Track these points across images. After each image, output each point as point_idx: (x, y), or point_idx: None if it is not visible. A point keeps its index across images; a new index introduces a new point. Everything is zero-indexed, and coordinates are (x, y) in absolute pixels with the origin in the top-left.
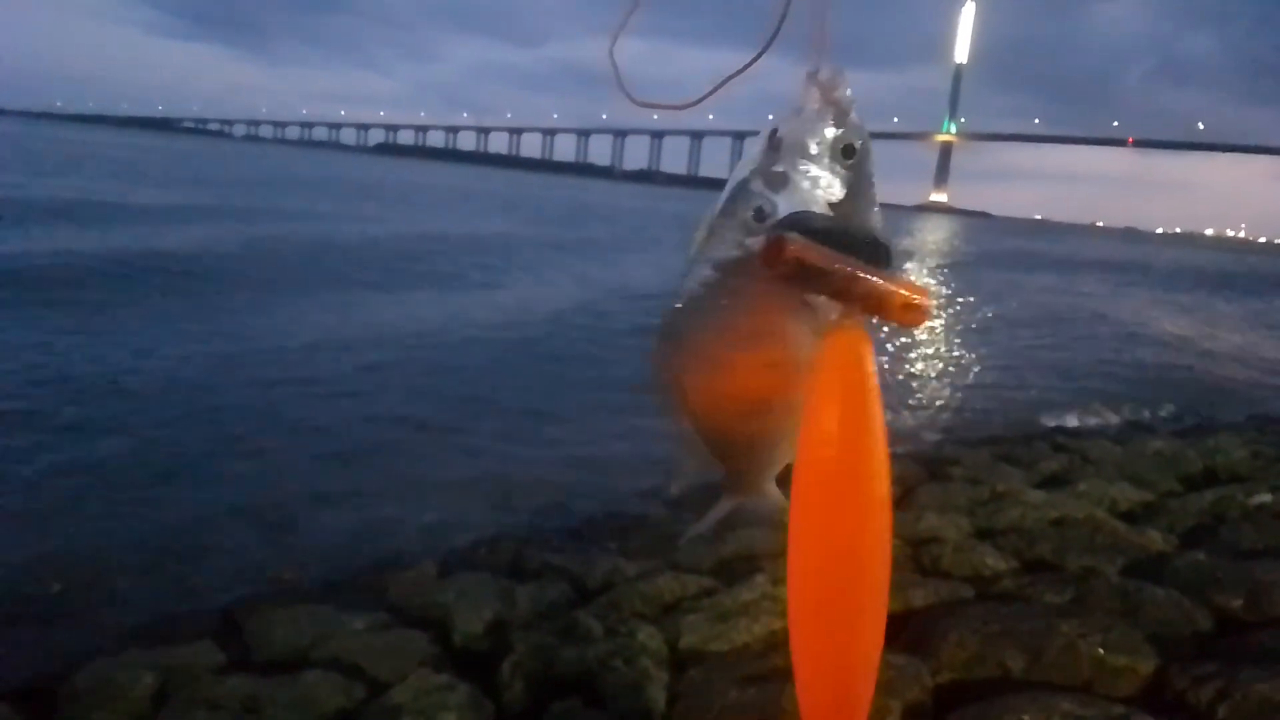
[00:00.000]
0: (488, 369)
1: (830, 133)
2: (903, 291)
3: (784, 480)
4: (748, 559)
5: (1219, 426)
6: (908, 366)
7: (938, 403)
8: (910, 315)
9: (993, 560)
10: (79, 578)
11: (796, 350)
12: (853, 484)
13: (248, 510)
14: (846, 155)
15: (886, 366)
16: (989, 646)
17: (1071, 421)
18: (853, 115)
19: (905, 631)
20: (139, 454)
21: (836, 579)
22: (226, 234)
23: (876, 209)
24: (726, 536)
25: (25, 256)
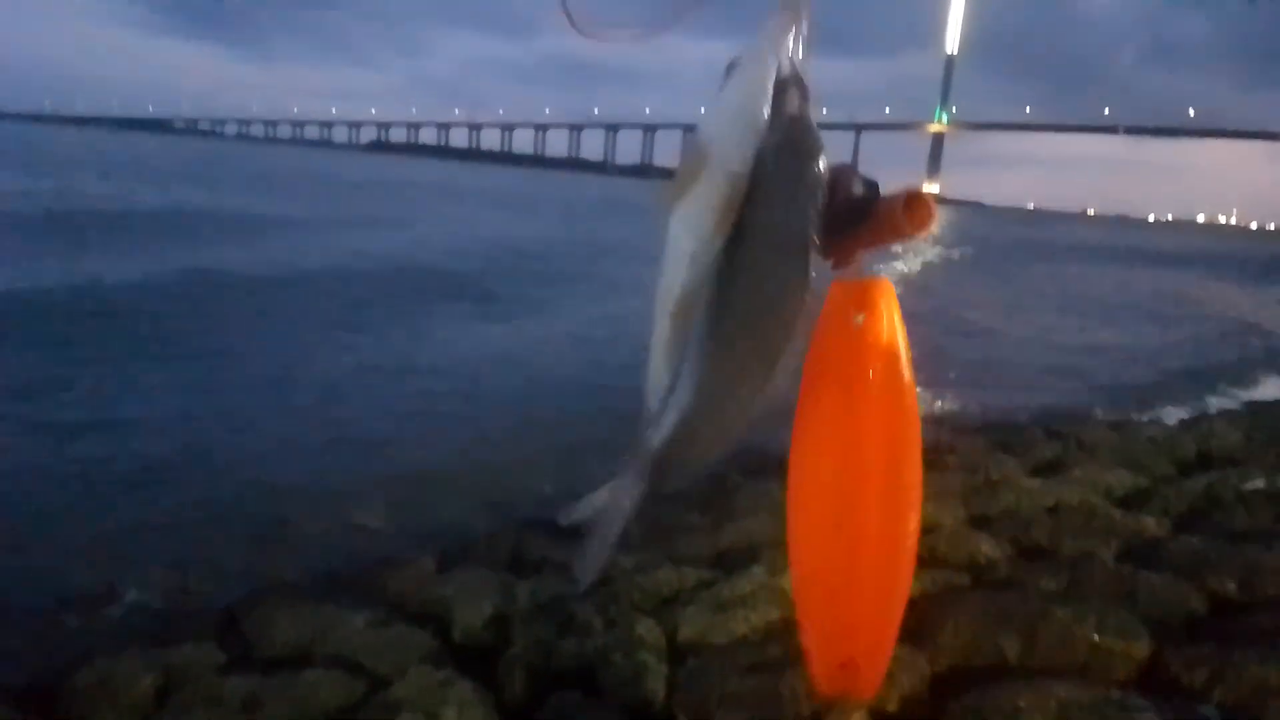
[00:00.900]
0: (485, 365)
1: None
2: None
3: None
4: (746, 549)
5: (1213, 411)
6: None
7: (933, 391)
8: (918, 214)
9: (988, 547)
10: (77, 577)
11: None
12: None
13: (245, 509)
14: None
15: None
16: (985, 633)
17: (1067, 407)
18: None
19: (902, 621)
20: (133, 453)
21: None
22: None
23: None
24: (725, 526)
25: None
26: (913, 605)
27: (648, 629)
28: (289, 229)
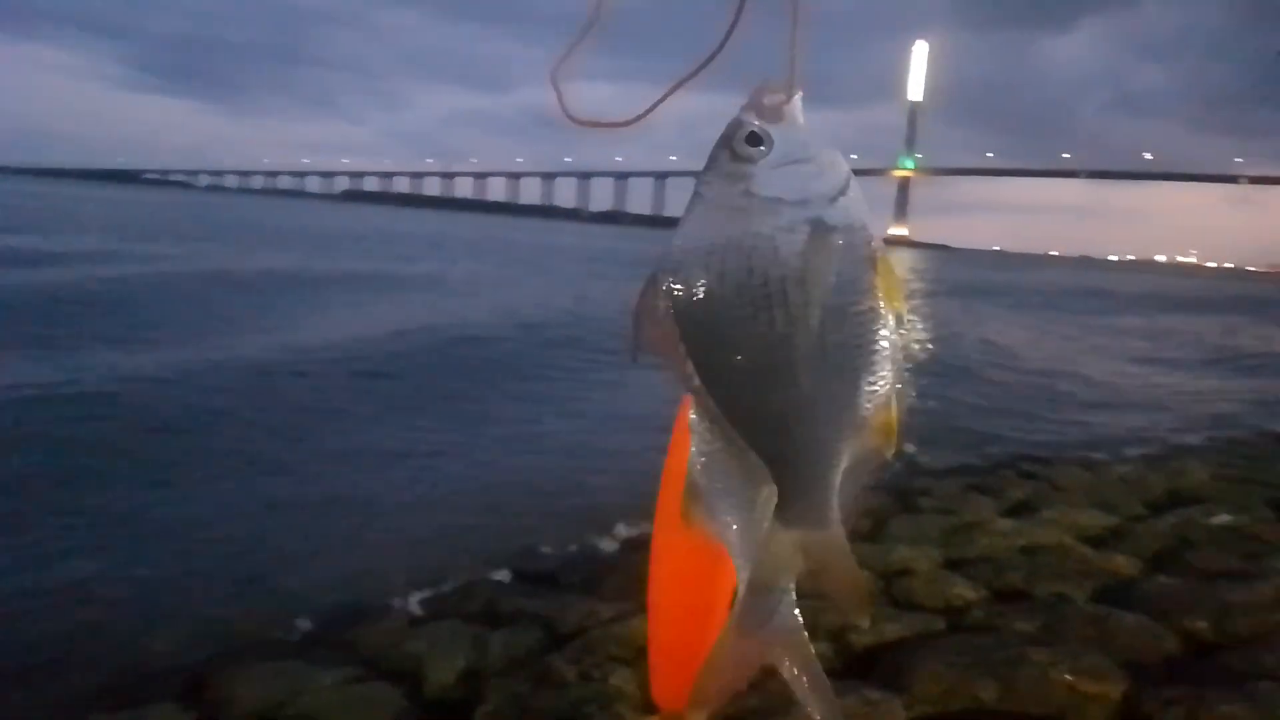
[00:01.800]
0: (452, 407)
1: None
2: None
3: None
4: None
5: (1180, 449)
6: None
7: (907, 433)
8: None
9: (964, 590)
10: (31, 641)
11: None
12: None
13: (213, 565)
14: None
15: None
16: (962, 678)
17: (1039, 449)
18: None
19: (879, 665)
20: (91, 506)
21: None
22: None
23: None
24: None
25: None
26: (889, 650)
27: (623, 679)
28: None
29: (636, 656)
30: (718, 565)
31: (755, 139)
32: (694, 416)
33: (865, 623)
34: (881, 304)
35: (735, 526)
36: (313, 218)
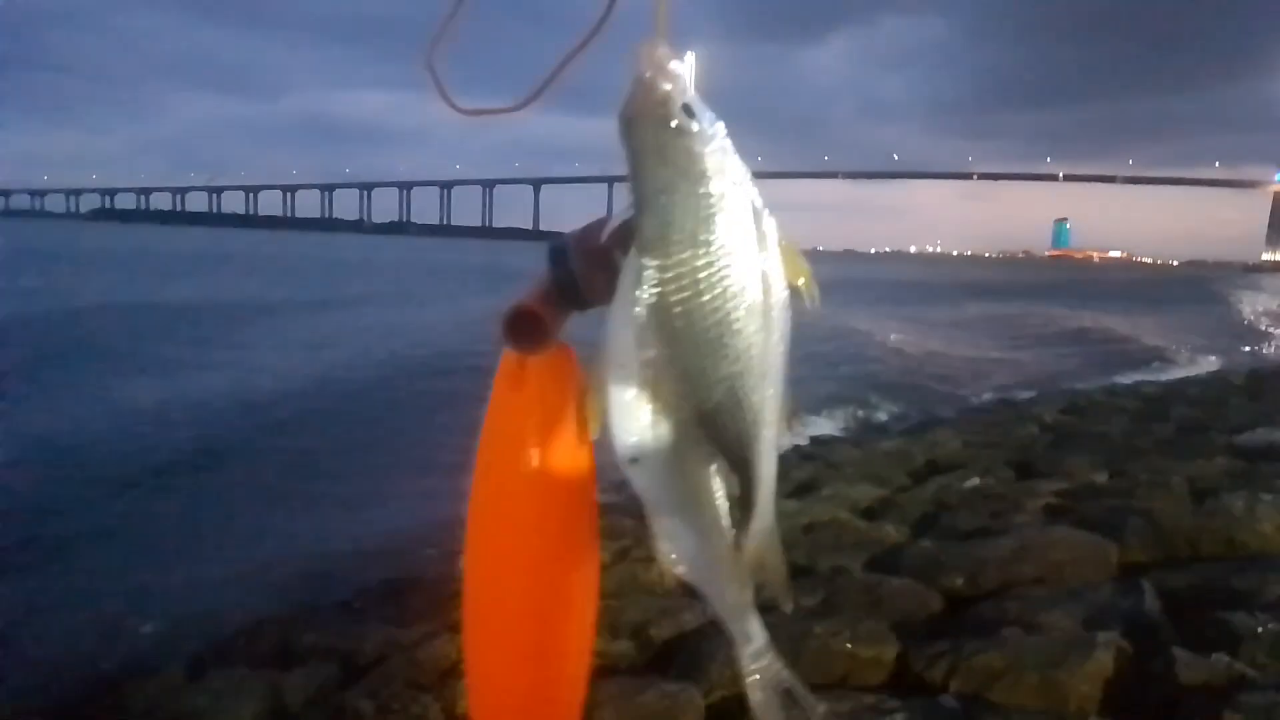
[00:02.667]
0: (230, 439)
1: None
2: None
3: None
4: None
5: (935, 422)
6: None
7: None
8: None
9: None
10: None
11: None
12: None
13: None
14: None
15: None
16: None
17: (817, 429)
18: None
19: (678, 656)
20: None
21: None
22: None
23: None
24: None
25: None
26: (686, 639)
27: (424, 707)
28: None
29: (439, 680)
30: (558, 562)
31: (689, 110)
32: (637, 446)
33: (789, 606)
34: (789, 285)
35: (700, 551)
36: (58, 239)
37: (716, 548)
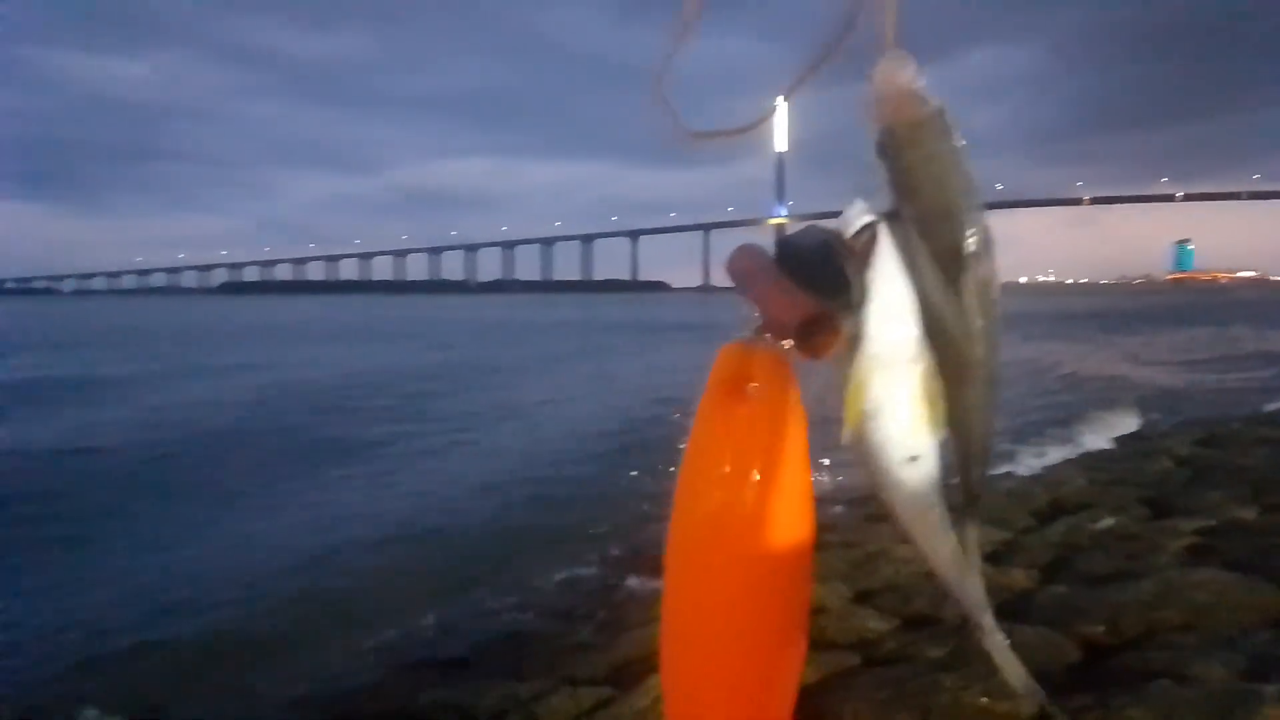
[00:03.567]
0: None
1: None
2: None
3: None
4: (641, 660)
5: (1056, 460)
6: None
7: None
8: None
9: (874, 623)
10: None
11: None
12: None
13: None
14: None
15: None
16: (881, 713)
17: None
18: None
19: (801, 709)
20: None
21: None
22: None
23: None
24: (619, 639)
25: None
26: (809, 692)
27: None
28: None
29: None
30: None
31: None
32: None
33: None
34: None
35: (941, 540)
36: (191, 313)
37: (957, 544)
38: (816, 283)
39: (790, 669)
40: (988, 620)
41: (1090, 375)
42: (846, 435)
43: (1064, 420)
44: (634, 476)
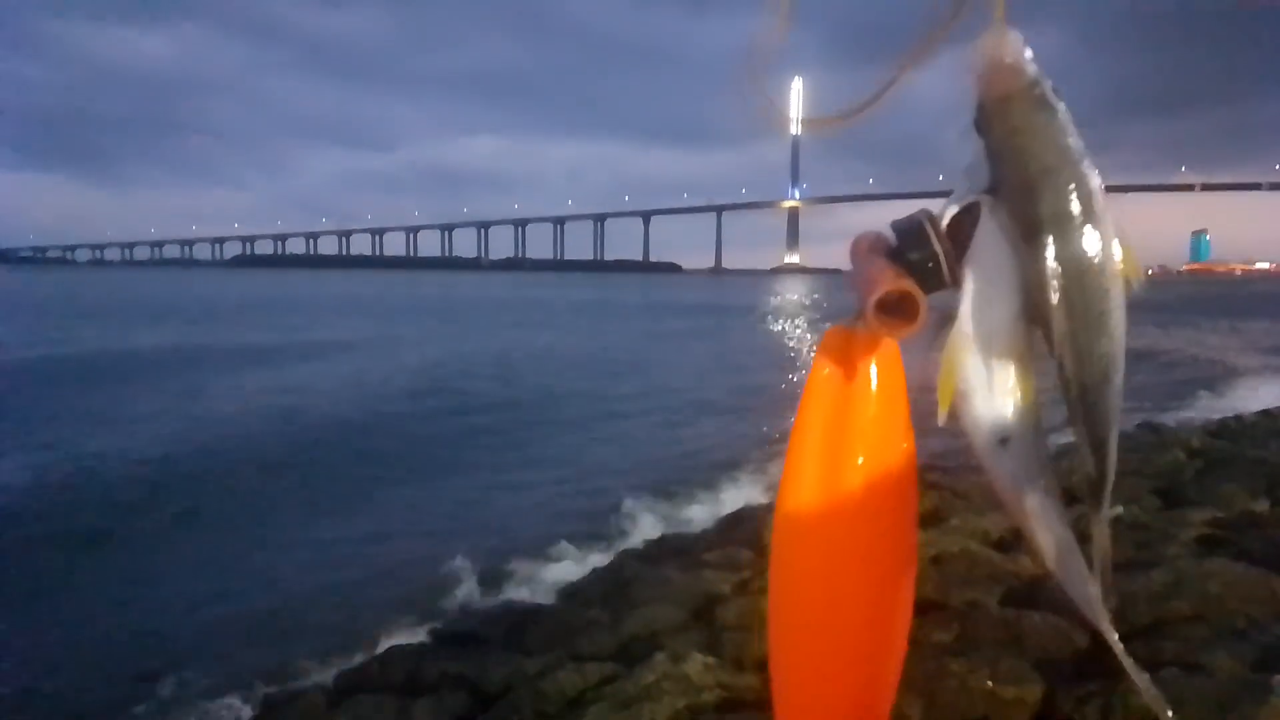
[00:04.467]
0: (364, 461)
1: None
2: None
3: None
4: (647, 638)
5: (1066, 447)
6: (781, 422)
7: None
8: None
9: None
10: None
11: None
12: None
13: (116, 658)
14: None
15: (764, 426)
16: None
17: (939, 457)
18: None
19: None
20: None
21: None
22: None
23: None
24: (625, 617)
25: None
26: None
27: None
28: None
29: (566, 710)
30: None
31: (1057, 92)
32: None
33: (1112, 602)
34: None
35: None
36: (204, 286)
37: (1069, 535)
38: (909, 263)
39: (896, 657)
40: (1103, 625)
41: None
42: (941, 417)
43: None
44: (643, 457)
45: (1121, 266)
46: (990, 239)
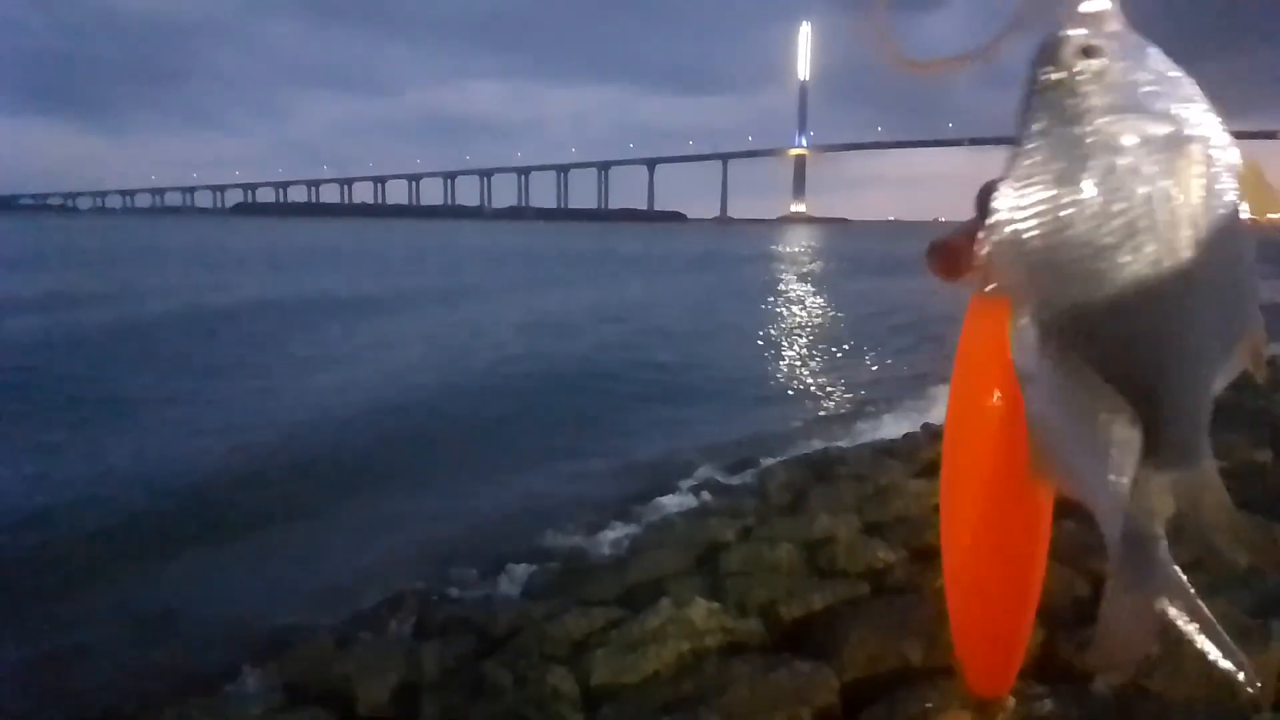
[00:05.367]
0: (365, 427)
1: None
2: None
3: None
4: (652, 584)
5: None
6: (788, 368)
7: (820, 406)
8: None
9: (884, 554)
10: None
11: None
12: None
13: (125, 601)
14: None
15: (763, 374)
16: (888, 640)
17: (940, 410)
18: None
19: (809, 636)
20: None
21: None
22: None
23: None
24: (630, 562)
25: None
26: (818, 619)
27: (560, 679)
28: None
29: (572, 652)
30: (1032, 525)
31: (1091, 51)
32: (1028, 365)
33: (1243, 561)
34: (1246, 217)
35: (1096, 476)
36: (207, 233)
37: (1110, 475)
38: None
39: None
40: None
41: None
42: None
43: None
44: (654, 408)
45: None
46: (1028, 180)
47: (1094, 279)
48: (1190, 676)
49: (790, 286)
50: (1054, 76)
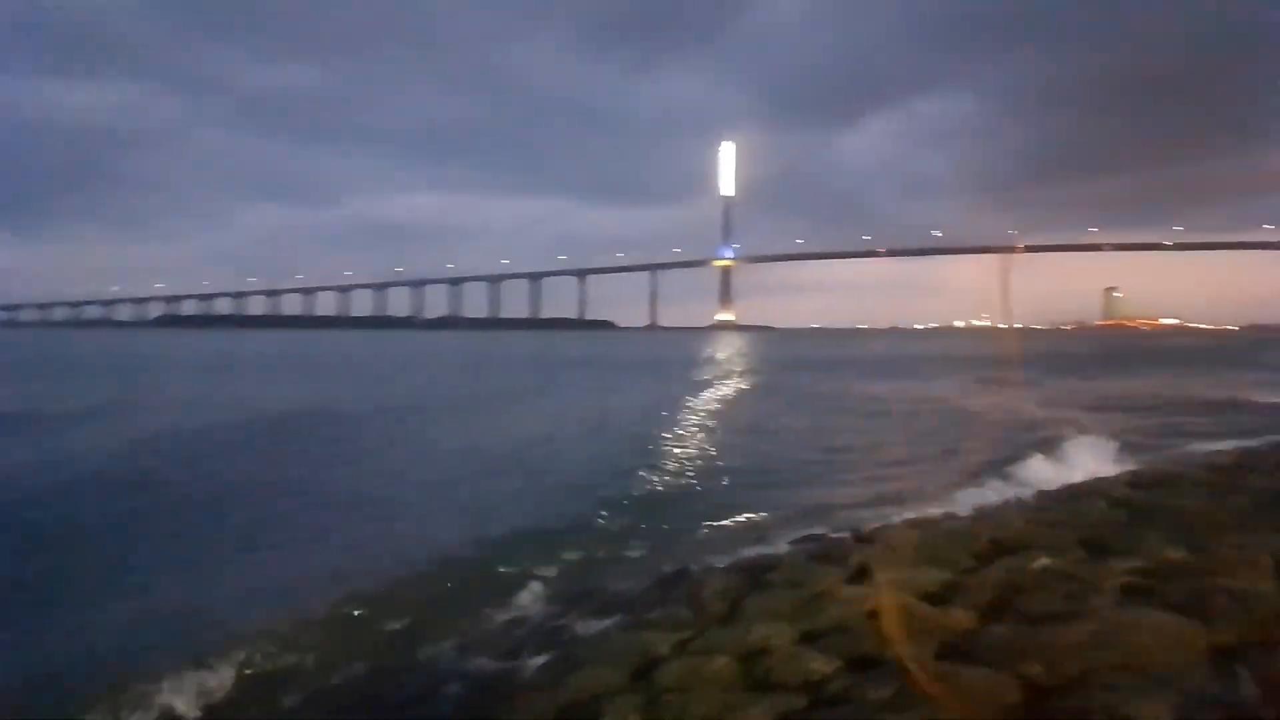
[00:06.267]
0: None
1: None
2: None
3: None
4: (588, 703)
5: (996, 500)
6: (715, 471)
7: (746, 509)
8: None
9: (819, 664)
10: None
11: None
12: None
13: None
14: None
15: (691, 477)
16: None
17: (870, 512)
18: None
19: None
20: None
21: None
22: None
23: None
24: (566, 679)
25: None
26: None
27: None
28: None
29: None
30: None
31: None
32: None
33: None
34: None
35: None
36: (120, 344)
37: None
38: None
39: None
40: None
41: (1027, 418)
42: None
43: (1003, 462)
44: (582, 515)
45: None
46: None
47: None
48: None
49: (703, 397)
50: None
